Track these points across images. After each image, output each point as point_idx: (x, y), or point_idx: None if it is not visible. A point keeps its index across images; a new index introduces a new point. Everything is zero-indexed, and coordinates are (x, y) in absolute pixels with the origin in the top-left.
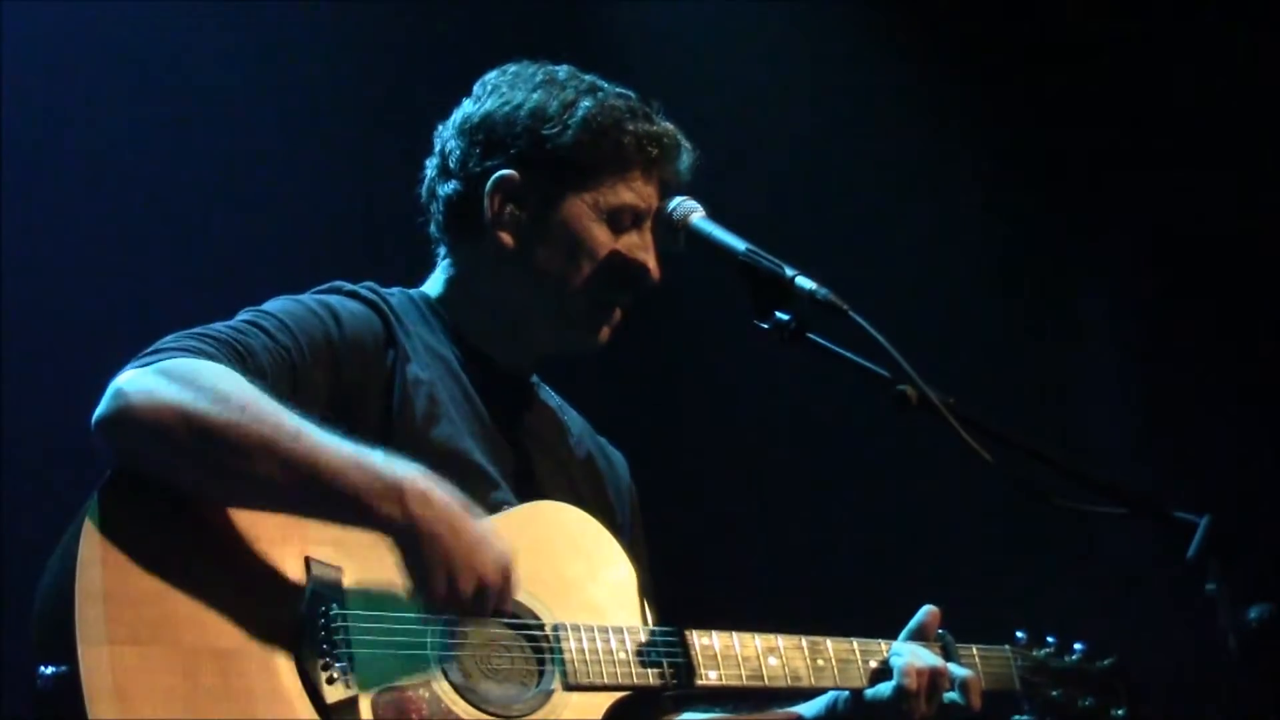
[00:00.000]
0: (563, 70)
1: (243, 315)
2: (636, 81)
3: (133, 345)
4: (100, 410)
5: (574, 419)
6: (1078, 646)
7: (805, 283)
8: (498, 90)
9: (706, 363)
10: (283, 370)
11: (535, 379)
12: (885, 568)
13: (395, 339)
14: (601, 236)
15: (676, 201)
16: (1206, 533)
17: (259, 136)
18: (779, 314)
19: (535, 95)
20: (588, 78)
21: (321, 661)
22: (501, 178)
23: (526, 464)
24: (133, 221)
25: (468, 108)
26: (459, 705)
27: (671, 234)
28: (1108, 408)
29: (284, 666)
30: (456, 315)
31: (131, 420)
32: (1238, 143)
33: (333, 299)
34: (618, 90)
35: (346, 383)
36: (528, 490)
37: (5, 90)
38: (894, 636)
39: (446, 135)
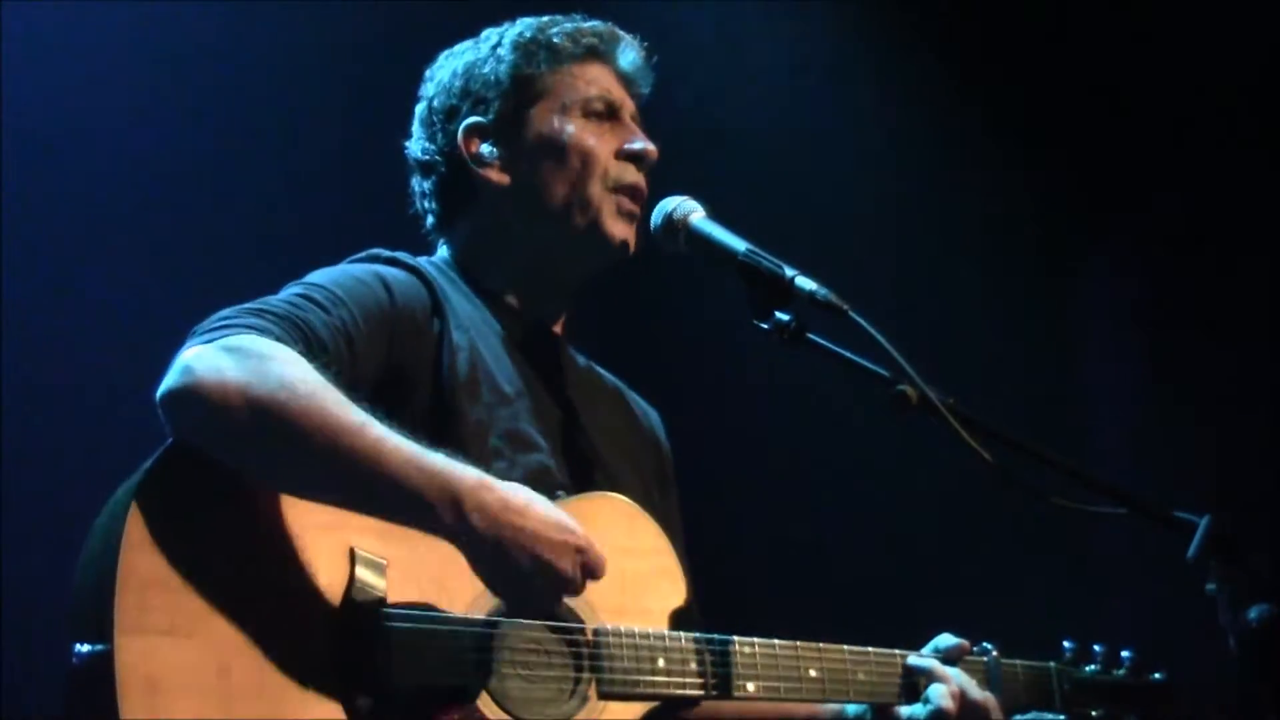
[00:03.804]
0: (486, 29)
1: (292, 289)
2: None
3: (133, 345)
4: (166, 384)
5: (606, 376)
6: (1124, 655)
7: (805, 283)
8: (431, 79)
9: (705, 363)
10: (342, 345)
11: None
12: (883, 569)
13: (439, 305)
14: (579, 127)
15: (676, 202)
16: (1206, 533)
17: (257, 134)
18: (779, 314)
19: (463, 57)
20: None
21: (360, 661)
22: (468, 126)
23: (572, 421)
24: (132, 221)
25: (417, 109)
26: (493, 710)
27: (672, 234)
28: (1108, 408)
29: (321, 664)
30: (477, 273)
31: (197, 397)
32: (1236, 141)
33: (379, 268)
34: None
35: (400, 352)
36: (574, 454)
37: (5, 90)
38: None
39: (413, 140)
